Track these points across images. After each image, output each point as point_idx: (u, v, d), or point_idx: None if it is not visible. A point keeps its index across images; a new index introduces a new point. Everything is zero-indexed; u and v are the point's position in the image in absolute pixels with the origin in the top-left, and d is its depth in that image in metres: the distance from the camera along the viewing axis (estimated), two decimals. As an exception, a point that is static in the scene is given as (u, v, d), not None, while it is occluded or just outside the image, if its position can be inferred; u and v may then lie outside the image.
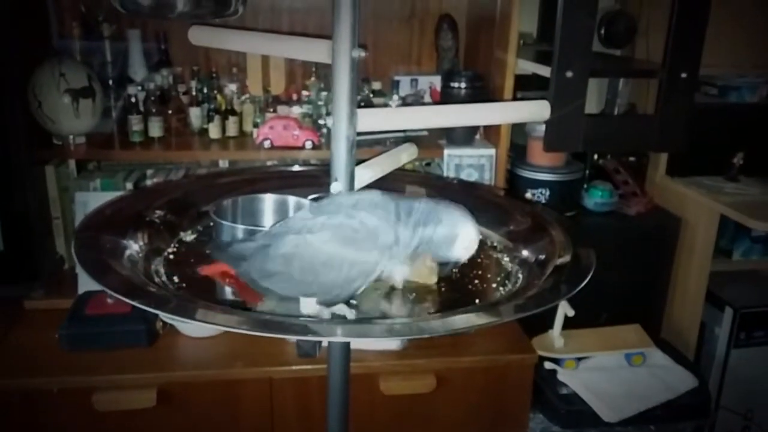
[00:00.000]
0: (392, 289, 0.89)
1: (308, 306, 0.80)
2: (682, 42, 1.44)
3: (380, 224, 0.78)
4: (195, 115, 1.91)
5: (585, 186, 2.13)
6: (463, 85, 1.85)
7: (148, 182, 1.90)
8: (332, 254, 0.77)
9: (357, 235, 0.77)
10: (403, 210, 0.80)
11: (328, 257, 0.77)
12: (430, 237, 0.80)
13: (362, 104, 1.89)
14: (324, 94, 1.94)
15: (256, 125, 1.91)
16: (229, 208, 1.00)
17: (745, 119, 2.24)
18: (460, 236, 0.81)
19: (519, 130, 2.06)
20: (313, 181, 1.11)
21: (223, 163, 1.98)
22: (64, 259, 1.90)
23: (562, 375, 1.81)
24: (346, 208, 0.80)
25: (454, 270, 0.88)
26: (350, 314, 0.80)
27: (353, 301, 0.83)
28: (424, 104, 2.01)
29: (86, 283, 1.74)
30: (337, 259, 0.77)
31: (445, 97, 1.92)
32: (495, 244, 1.04)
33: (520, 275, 0.93)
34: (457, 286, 0.92)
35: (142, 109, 1.83)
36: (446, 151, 1.85)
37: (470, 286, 0.91)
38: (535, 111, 0.97)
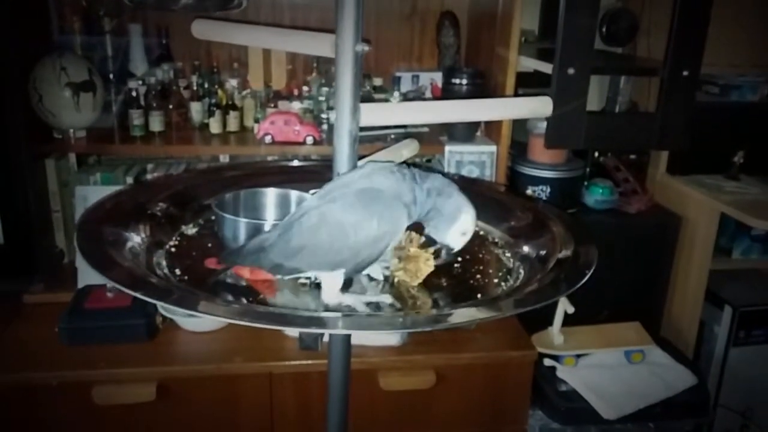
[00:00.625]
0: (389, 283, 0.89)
1: (330, 296, 0.80)
2: (684, 40, 1.44)
3: (398, 184, 0.81)
4: (196, 109, 1.91)
5: (585, 183, 2.13)
6: (464, 81, 1.85)
7: (149, 176, 1.90)
8: (359, 215, 0.78)
9: (380, 195, 0.79)
10: (418, 175, 0.83)
11: (356, 219, 0.78)
12: (440, 207, 0.83)
13: (363, 100, 1.89)
14: (325, 89, 1.94)
15: (257, 120, 1.91)
16: (231, 201, 1.00)
17: (746, 118, 2.24)
18: (462, 219, 0.83)
19: (520, 127, 2.06)
20: (315, 176, 1.11)
21: (224, 158, 1.97)
22: (64, 253, 1.90)
23: (562, 372, 1.81)
24: (358, 178, 0.81)
25: (448, 258, 0.89)
26: (385, 298, 0.82)
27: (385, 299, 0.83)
28: (425, 101, 2.01)
29: (86, 277, 1.74)
30: (366, 218, 0.78)
31: (447, 93, 1.92)
32: (496, 239, 1.04)
33: (521, 271, 0.93)
34: (458, 281, 0.92)
35: (142, 103, 1.83)
36: (447, 148, 1.85)
37: (471, 281, 0.91)
38: (537, 107, 0.97)
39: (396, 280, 0.88)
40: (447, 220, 0.83)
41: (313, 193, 0.99)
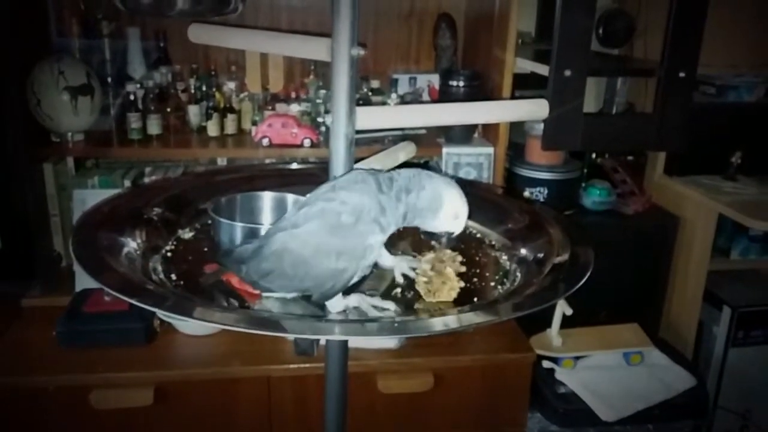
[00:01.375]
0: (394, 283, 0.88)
1: (334, 304, 0.79)
2: (681, 41, 1.44)
3: (362, 198, 0.77)
4: (193, 112, 1.91)
5: (583, 185, 2.13)
6: (461, 83, 1.85)
7: (146, 180, 1.90)
8: (319, 244, 0.76)
9: (341, 218, 0.76)
10: (383, 181, 0.79)
11: (316, 248, 0.76)
12: (414, 204, 0.79)
13: (361, 102, 1.89)
14: (322, 92, 1.94)
15: (254, 123, 1.91)
16: (228, 205, 1.00)
17: (743, 118, 2.24)
18: (446, 202, 0.80)
19: (517, 128, 2.06)
20: (312, 179, 1.10)
21: (222, 161, 1.97)
22: (62, 257, 1.89)
23: (560, 374, 1.81)
24: (324, 192, 0.79)
25: (451, 243, 0.86)
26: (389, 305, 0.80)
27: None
28: (422, 103, 2.01)
29: (84, 281, 1.73)
30: (325, 249, 0.76)
31: (444, 95, 1.92)
32: (493, 242, 1.04)
33: (519, 274, 0.93)
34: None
35: (140, 106, 1.83)
36: (445, 150, 1.85)
37: (468, 285, 0.91)
38: (534, 109, 0.97)
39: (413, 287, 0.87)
40: (430, 214, 0.80)
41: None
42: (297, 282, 0.78)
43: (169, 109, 1.88)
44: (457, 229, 0.83)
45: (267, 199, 1.03)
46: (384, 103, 1.91)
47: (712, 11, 1.42)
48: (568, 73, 1.42)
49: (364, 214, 0.77)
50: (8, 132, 1.66)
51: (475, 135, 1.96)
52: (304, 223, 0.77)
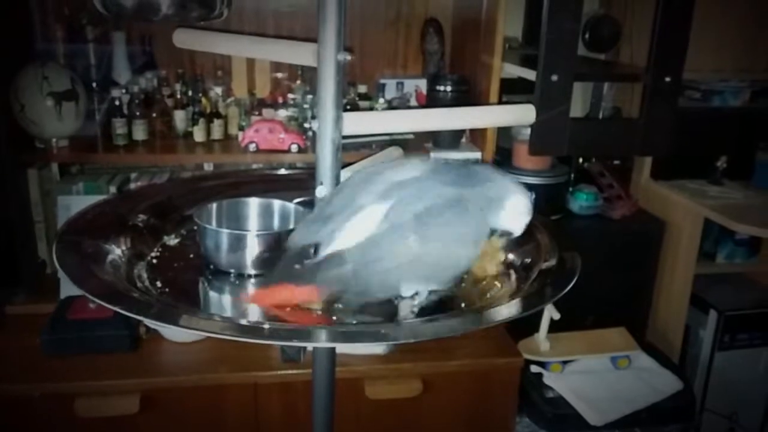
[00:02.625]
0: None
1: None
2: (666, 46, 1.45)
3: (464, 182, 0.78)
4: (180, 118, 1.90)
5: (570, 189, 2.13)
6: (449, 88, 1.86)
7: (132, 186, 1.88)
8: (461, 235, 0.76)
9: (472, 206, 0.77)
10: (460, 173, 0.80)
11: (456, 240, 0.76)
12: (487, 194, 0.79)
13: (348, 107, 1.89)
14: (310, 97, 1.94)
15: (241, 128, 1.90)
16: (213, 211, 0.99)
17: (728, 123, 2.25)
18: (511, 199, 0.80)
19: (505, 133, 2.07)
20: (298, 184, 1.10)
21: (208, 167, 1.96)
22: (46, 264, 1.88)
23: (548, 378, 1.82)
24: (437, 182, 0.78)
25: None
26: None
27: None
28: (410, 107, 2.01)
29: (68, 288, 1.72)
30: (464, 240, 0.77)
31: (431, 100, 1.92)
32: (481, 247, 1.03)
33: (506, 279, 0.93)
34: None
35: (126, 112, 1.82)
36: (432, 155, 1.85)
37: (455, 289, 0.91)
38: (521, 114, 0.97)
39: None
40: (495, 204, 0.81)
41: (296, 203, 0.99)
42: (434, 280, 0.79)
43: (154, 115, 1.87)
44: (519, 229, 0.83)
45: (253, 205, 1.03)
46: (371, 108, 1.91)
47: (698, 17, 1.43)
48: (554, 78, 1.42)
49: (470, 197, 0.77)
50: (-8, 138, 1.64)
51: (463, 140, 1.97)
52: (436, 217, 0.75)
